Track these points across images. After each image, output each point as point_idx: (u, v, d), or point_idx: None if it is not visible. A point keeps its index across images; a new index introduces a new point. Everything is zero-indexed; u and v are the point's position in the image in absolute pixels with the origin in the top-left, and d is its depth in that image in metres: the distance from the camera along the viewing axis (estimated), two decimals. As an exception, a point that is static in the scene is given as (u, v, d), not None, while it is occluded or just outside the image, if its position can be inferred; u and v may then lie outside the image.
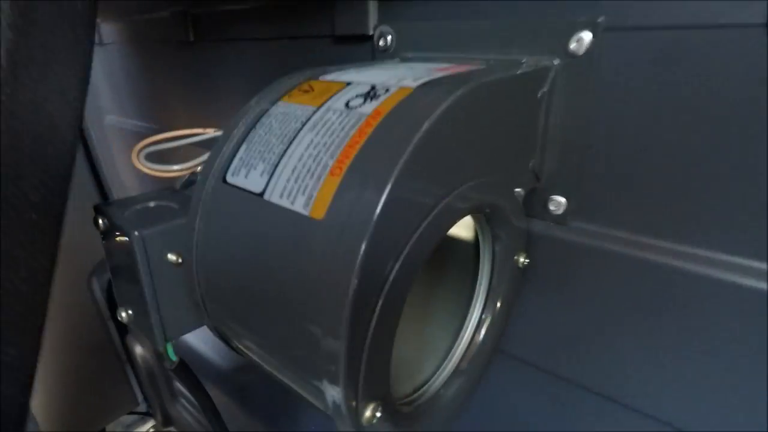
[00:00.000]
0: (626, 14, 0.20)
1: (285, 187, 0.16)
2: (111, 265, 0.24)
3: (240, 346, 0.20)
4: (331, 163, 0.16)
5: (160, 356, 0.25)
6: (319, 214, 0.15)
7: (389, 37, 0.28)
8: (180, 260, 0.22)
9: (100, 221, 0.23)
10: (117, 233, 0.21)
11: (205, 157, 0.27)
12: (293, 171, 0.16)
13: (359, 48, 0.31)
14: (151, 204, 0.24)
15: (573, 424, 0.28)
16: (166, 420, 0.77)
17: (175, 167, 0.25)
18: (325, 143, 0.16)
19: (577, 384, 0.26)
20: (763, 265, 0.19)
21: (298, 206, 0.16)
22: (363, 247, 0.14)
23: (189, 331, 0.24)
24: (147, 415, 0.79)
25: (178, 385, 0.68)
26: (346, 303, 0.14)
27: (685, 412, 0.23)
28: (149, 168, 0.25)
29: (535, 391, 0.28)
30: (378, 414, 0.16)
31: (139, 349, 0.73)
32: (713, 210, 0.20)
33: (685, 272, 0.21)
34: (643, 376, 0.24)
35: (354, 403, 0.15)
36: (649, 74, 0.20)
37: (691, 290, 0.21)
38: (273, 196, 0.16)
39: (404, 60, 0.27)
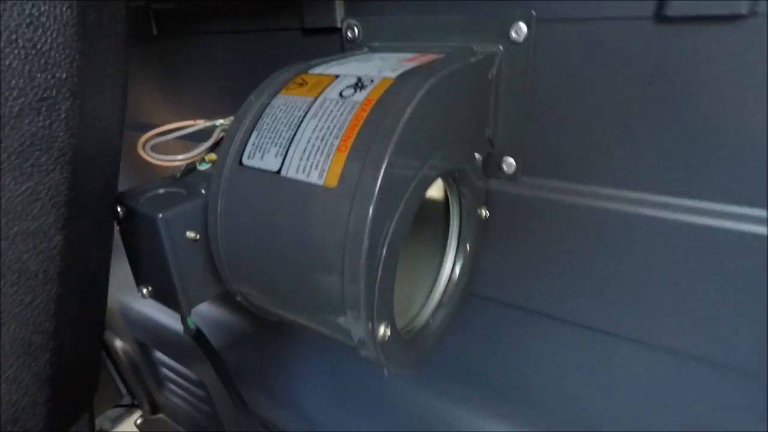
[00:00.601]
0: (553, 8, 0.25)
1: (299, 165, 0.20)
2: (130, 248, 0.27)
3: (266, 304, 0.24)
4: (336, 143, 0.20)
5: (184, 324, 0.28)
6: (332, 183, 0.19)
7: (356, 30, 0.32)
8: (197, 236, 0.25)
9: (119, 209, 0.26)
10: (140, 218, 0.24)
11: (202, 147, 0.30)
12: (305, 151, 0.20)
13: (328, 40, 0.34)
14: (161, 191, 0.27)
15: (547, 352, 0.34)
16: (154, 408, 0.79)
17: (179, 157, 0.28)
18: (329, 127, 0.20)
19: (546, 314, 0.32)
20: (677, 201, 0.25)
21: (313, 178, 0.20)
22: (370, 212, 0.18)
23: (206, 299, 0.28)
24: (133, 406, 0.80)
25: (165, 372, 0.70)
26: (362, 256, 0.19)
27: (636, 324, 0.29)
28: (156, 159, 0.27)
29: (511, 326, 0.34)
30: (388, 333, 0.21)
31: (118, 343, 0.74)
32: (630, 157, 0.26)
33: (611, 210, 0.27)
34: (601, 300, 0.30)
35: (371, 325, 0.20)
36: (572, 54, 0.25)
37: (618, 225, 0.27)
38: (290, 172, 0.20)
39: (373, 49, 0.30)
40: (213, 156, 0.30)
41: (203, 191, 0.27)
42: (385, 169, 0.18)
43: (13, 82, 0.13)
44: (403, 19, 0.30)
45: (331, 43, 0.34)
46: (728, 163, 0.23)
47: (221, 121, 0.32)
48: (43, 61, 0.14)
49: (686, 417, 0.29)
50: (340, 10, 0.32)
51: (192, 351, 0.67)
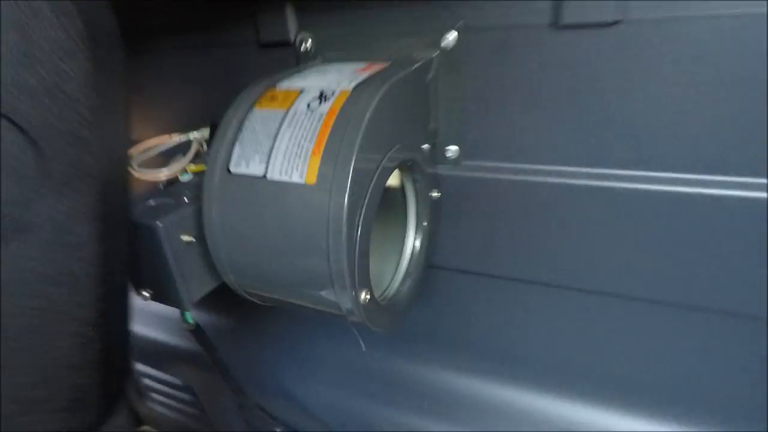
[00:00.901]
0: (474, 19, 0.30)
1: (281, 168, 0.24)
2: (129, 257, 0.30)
3: (262, 291, 0.28)
4: (311, 147, 0.24)
5: (184, 320, 0.32)
6: (312, 181, 0.23)
7: (309, 42, 0.36)
8: (192, 239, 0.29)
9: (116, 223, 0.28)
10: (140, 228, 0.27)
11: (183, 160, 0.33)
12: (284, 156, 0.24)
13: (283, 52, 0.38)
14: (152, 202, 0.30)
15: (515, 314, 0.39)
16: (138, 420, 0.79)
17: (164, 171, 0.31)
18: (303, 135, 0.24)
19: (508, 278, 0.38)
20: (582, 169, 0.31)
21: (296, 178, 0.24)
22: (346, 202, 0.23)
23: (202, 294, 0.31)
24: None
25: (147, 383, 0.72)
26: (342, 239, 0.23)
27: (574, 275, 0.35)
28: (144, 175, 0.30)
29: (476, 292, 0.40)
30: (368, 298, 0.26)
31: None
32: (544, 137, 0.32)
33: (537, 182, 0.33)
34: (539, 258, 0.36)
35: (354, 293, 0.25)
36: (492, 57, 0.31)
37: (543, 193, 0.33)
38: (274, 175, 0.24)
39: (327, 60, 0.35)
40: (193, 167, 0.33)
41: (186, 199, 0.30)
42: (354, 166, 0.23)
43: (52, 123, 0.16)
44: (352, 31, 0.34)
45: (286, 56, 0.37)
46: (616, 137, 0.30)
47: (194, 134, 0.36)
48: (71, 104, 0.17)
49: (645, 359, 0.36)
50: (293, 25, 0.36)
51: (175, 356, 0.69)
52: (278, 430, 0.49)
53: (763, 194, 0.27)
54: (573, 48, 0.28)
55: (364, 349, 0.50)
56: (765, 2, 0.24)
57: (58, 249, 0.18)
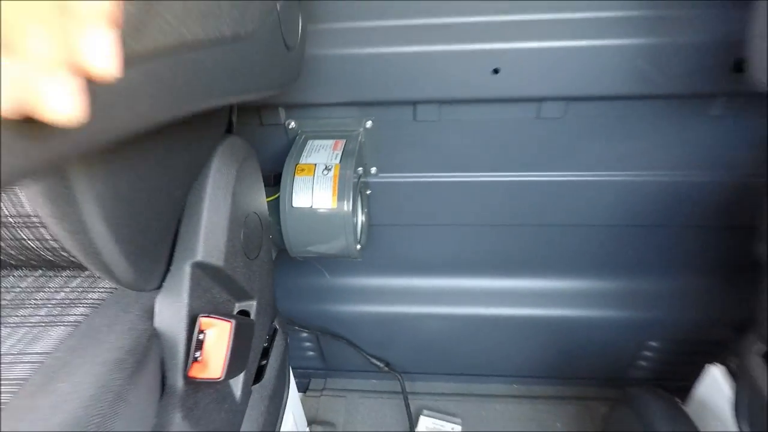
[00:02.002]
0: (380, 114, 0.66)
1: (319, 202, 0.59)
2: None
3: (308, 254, 0.63)
4: (330, 191, 0.59)
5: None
6: (334, 206, 0.59)
7: (293, 124, 0.68)
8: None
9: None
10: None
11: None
12: (319, 197, 0.59)
13: (276, 129, 0.69)
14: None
15: (420, 244, 0.80)
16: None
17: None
18: (325, 186, 0.59)
19: (407, 224, 0.77)
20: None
21: (327, 205, 0.59)
22: (351, 212, 0.59)
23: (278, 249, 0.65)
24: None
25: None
26: (350, 226, 0.60)
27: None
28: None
29: (392, 234, 0.79)
30: (359, 246, 0.63)
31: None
32: (416, 161, 0.71)
33: (411, 182, 0.72)
34: (428, 210, 0.76)
35: (357, 246, 0.62)
36: (388, 130, 0.68)
37: (416, 187, 0.72)
38: (315, 205, 0.59)
39: (305, 134, 0.67)
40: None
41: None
42: (351, 199, 0.59)
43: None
44: (318, 117, 0.67)
45: (279, 132, 0.69)
46: (446, 156, 0.70)
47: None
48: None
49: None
50: (283, 114, 0.68)
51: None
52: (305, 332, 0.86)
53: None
54: (422, 127, 0.67)
55: (328, 277, 0.87)
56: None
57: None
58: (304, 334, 0.90)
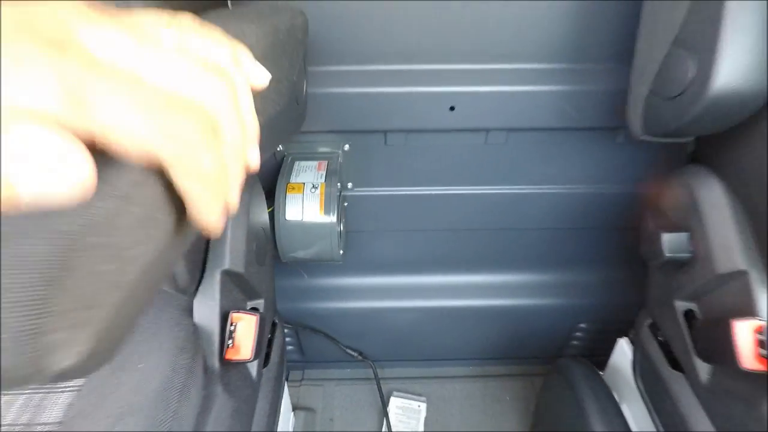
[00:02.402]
0: (356, 140, 0.78)
1: (309, 215, 0.70)
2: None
3: (297, 257, 0.74)
4: (318, 205, 0.71)
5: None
6: (322, 218, 0.71)
7: (281, 147, 0.79)
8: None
9: (235, 245, 0.70)
10: (249, 245, 0.70)
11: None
12: (308, 210, 0.70)
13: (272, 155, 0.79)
14: (242, 234, 0.72)
15: (384, 247, 0.92)
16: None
17: (244, 220, 0.72)
18: (314, 202, 0.71)
19: (373, 230, 0.90)
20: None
21: (315, 219, 0.70)
22: (336, 222, 0.71)
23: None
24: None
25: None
26: (335, 235, 0.71)
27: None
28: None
29: (362, 240, 0.91)
30: (342, 252, 0.75)
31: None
32: (382, 176, 0.83)
33: (376, 195, 0.85)
34: (400, 210, 0.89)
35: (340, 251, 0.74)
36: (362, 153, 0.80)
37: (379, 200, 0.85)
38: (305, 218, 0.70)
39: (293, 156, 0.78)
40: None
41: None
42: (336, 212, 0.71)
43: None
44: (305, 144, 0.78)
45: (274, 158, 0.79)
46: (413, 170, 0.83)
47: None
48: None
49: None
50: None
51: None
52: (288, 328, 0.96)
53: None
54: (392, 151, 0.79)
55: (306, 278, 0.98)
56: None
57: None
58: (285, 330, 1.01)
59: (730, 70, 0.42)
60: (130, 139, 0.15)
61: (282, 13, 0.41)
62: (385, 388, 1.05)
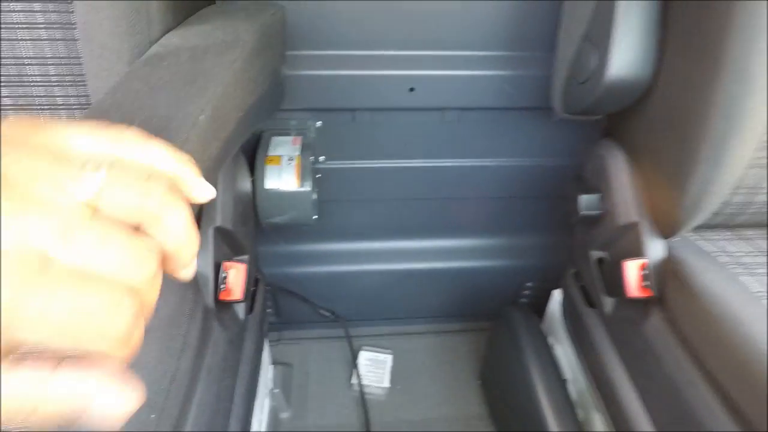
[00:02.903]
0: (328, 118, 0.87)
1: (285, 184, 0.80)
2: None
3: (277, 222, 0.84)
4: (293, 176, 0.80)
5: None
6: (299, 186, 0.80)
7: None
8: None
9: (219, 211, 0.79)
10: (233, 211, 0.79)
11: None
12: (285, 180, 0.80)
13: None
14: (226, 201, 0.81)
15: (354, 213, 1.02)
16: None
17: (226, 188, 0.80)
18: (290, 173, 0.80)
19: (346, 200, 1.00)
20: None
21: (293, 187, 0.80)
22: (312, 188, 0.80)
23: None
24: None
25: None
26: (310, 201, 0.81)
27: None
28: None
29: (333, 208, 1.01)
30: (316, 216, 0.85)
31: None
32: (349, 149, 0.93)
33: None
34: (367, 181, 0.99)
35: (314, 216, 0.84)
36: (332, 129, 0.89)
37: (348, 173, 0.95)
38: (282, 187, 0.80)
39: (271, 132, 0.87)
40: (232, 184, 0.83)
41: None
42: (311, 182, 0.80)
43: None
44: (280, 121, 0.87)
45: (247, 128, 0.87)
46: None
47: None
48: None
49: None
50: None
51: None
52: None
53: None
54: (359, 127, 0.89)
55: (284, 244, 1.08)
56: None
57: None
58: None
59: (621, 62, 0.54)
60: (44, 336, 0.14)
61: (266, 9, 0.49)
62: (355, 344, 1.17)
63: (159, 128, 0.28)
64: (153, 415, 0.40)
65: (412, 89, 0.80)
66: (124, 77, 0.34)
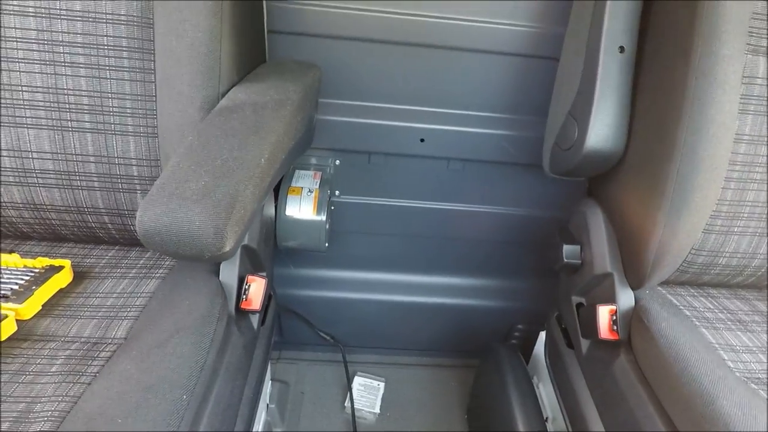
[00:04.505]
0: (344, 157, 0.98)
1: (303, 213, 0.89)
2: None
3: (292, 246, 0.93)
4: (311, 206, 0.90)
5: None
6: (314, 216, 0.90)
7: (284, 157, 0.98)
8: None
9: (242, 232, 0.88)
10: (254, 233, 0.88)
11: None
12: (303, 210, 0.90)
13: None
14: (249, 223, 0.90)
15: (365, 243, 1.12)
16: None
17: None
18: (308, 203, 0.90)
19: (359, 232, 1.09)
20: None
21: (309, 216, 0.90)
22: (324, 220, 0.90)
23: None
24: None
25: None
26: (323, 230, 0.91)
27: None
28: (246, 215, 0.89)
29: (347, 243, 1.10)
30: (327, 242, 0.95)
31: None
32: (366, 186, 1.03)
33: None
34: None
35: (326, 244, 0.93)
36: (349, 168, 1.00)
37: (363, 208, 1.05)
38: (301, 216, 0.89)
39: (294, 166, 0.97)
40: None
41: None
42: (326, 213, 0.90)
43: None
44: (304, 157, 0.98)
45: (274, 160, 0.98)
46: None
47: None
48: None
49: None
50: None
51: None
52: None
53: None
54: (373, 168, 1.00)
55: (292, 268, 1.17)
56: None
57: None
58: (271, 312, 1.18)
59: (597, 136, 0.64)
60: None
61: (307, 70, 0.61)
62: (350, 369, 1.23)
63: (235, 167, 0.37)
64: (185, 396, 0.48)
65: (422, 140, 0.91)
66: (205, 124, 0.44)
